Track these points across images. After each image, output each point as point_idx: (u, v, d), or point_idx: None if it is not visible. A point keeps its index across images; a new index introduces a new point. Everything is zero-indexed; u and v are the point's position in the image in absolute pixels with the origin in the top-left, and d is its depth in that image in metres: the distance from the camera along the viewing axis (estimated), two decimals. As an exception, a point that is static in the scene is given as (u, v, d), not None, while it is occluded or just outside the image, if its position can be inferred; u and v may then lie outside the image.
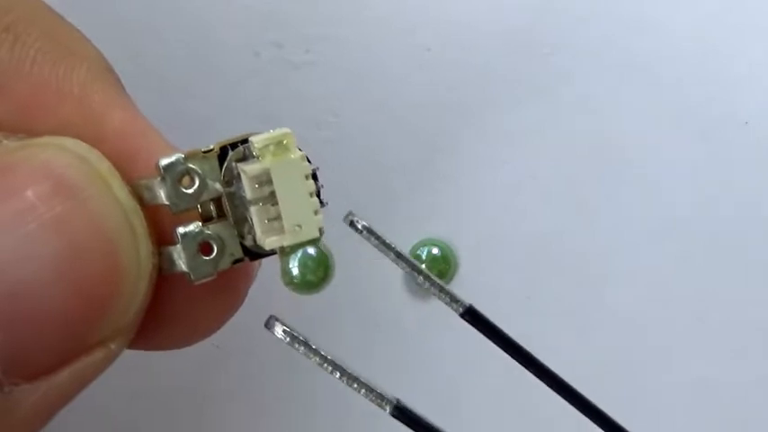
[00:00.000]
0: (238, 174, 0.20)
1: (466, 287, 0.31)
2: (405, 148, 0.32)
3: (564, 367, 0.32)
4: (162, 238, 0.20)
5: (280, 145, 0.20)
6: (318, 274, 0.20)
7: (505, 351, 0.23)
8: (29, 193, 0.18)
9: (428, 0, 0.32)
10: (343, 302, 0.32)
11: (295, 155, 0.20)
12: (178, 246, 0.20)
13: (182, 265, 0.20)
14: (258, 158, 0.20)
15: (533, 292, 0.32)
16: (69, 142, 0.19)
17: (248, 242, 0.20)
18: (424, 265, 0.30)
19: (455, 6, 0.32)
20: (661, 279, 0.32)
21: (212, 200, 0.20)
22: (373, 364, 0.31)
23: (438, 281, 0.23)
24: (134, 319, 0.19)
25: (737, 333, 0.32)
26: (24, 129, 0.19)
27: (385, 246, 0.22)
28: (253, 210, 0.20)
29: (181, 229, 0.20)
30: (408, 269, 0.22)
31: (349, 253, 0.31)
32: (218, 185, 0.20)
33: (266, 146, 0.20)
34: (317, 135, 0.32)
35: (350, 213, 0.23)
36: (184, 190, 0.20)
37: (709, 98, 0.32)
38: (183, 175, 0.20)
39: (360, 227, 0.22)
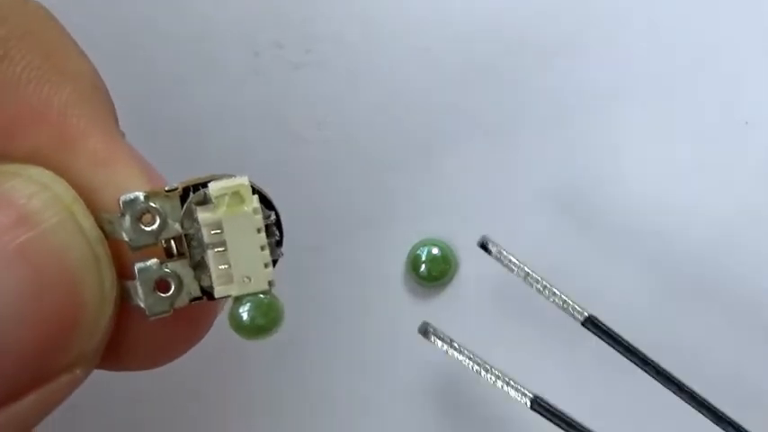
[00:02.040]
0: (197, 218, 0.20)
1: (465, 287, 0.31)
2: (405, 148, 0.32)
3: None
4: (122, 271, 0.20)
5: (235, 195, 0.20)
6: (269, 317, 0.21)
7: (626, 357, 0.26)
8: None
9: (429, 0, 0.32)
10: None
11: (249, 207, 0.20)
12: (136, 281, 0.20)
13: (139, 300, 0.20)
14: (215, 205, 0.20)
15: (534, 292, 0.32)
16: (34, 171, 0.19)
17: (205, 282, 0.20)
18: (423, 266, 0.30)
19: (456, 6, 0.32)
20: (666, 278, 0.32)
21: (174, 238, 0.20)
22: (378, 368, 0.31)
23: (559, 293, 0.26)
24: (98, 346, 0.19)
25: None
26: (1, 152, 0.19)
27: (513, 266, 0.26)
28: (209, 254, 0.20)
29: (139, 265, 0.20)
30: (536, 288, 0.26)
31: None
32: (177, 226, 0.20)
33: (222, 195, 0.20)
34: (317, 135, 0.32)
35: (483, 237, 0.27)
36: (144, 227, 0.20)
37: (709, 97, 0.32)
38: (143, 213, 0.20)
39: (492, 250, 0.26)
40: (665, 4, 0.32)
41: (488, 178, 0.32)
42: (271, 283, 0.20)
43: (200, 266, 0.20)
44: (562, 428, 0.25)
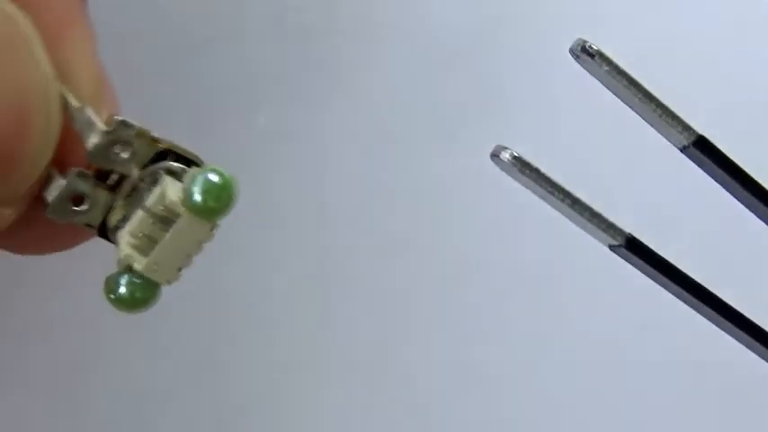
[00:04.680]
0: (158, 181, 0.20)
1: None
2: (422, 113, 0.32)
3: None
4: (62, 163, 0.19)
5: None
6: (145, 297, 0.21)
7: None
8: None
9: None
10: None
11: (214, 222, 0.19)
12: (61, 180, 0.19)
13: (50, 196, 0.20)
14: (184, 192, 0.19)
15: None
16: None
17: (111, 224, 0.20)
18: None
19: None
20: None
21: (120, 174, 0.20)
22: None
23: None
24: (28, 189, 0.19)
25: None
26: None
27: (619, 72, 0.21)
28: (139, 215, 0.20)
29: (77, 171, 0.19)
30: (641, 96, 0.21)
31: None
32: (136, 171, 0.20)
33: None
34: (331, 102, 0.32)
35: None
36: (112, 151, 0.19)
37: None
38: (123, 142, 0.19)
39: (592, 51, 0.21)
40: None
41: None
42: (169, 282, 0.20)
43: (120, 208, 0.20)
44: (658, 271, 0.22)
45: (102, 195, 0.20)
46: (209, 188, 0.19)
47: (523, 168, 0.21)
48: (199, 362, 0.31)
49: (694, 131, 0.21)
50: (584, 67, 0.21)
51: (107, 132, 0.19)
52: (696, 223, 0.32)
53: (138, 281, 0.20)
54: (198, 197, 0.19)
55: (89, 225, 0.20)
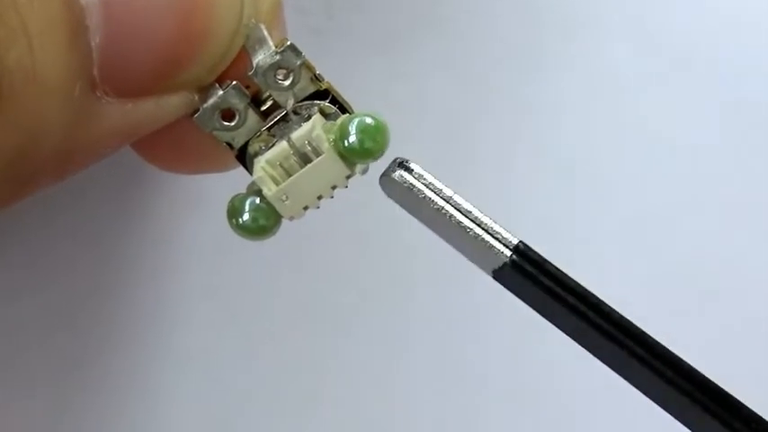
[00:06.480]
0: (308, 118, 0.20)
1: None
2: (424, 113, 0.32)
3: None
4: (222, 77, 0.20)
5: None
6: (270, 221, 0.20)
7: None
8: None
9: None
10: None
11: (354, 171, 0.20)
12: (220, 90, 0.20)
13: (204, 103, 0.20)
14: (331, 134, 0.20)
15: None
16: None
17: (252, 149, 0.20)
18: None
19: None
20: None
21: (274, 102, 0.20)
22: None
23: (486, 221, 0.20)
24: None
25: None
26: None
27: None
28: (282, 145, 0.20)
29: (235, 84, 0.20)
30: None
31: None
32: (291, 102, 0.20)
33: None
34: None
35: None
36: (274, 75, 0.20)
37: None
38: (288, 68, 0.20)
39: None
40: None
41: (505, 158, 0.31)
42: (291, 219, 0.20)
43: (265, 136, 0.20)
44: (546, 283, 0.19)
45: (252, 118, 0.20)
46: (365, 128, 0.19)
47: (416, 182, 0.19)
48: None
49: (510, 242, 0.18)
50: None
51: (276, 53, 0.20)
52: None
53: (263, 206, 0.20)
54: (354, 137, 0.19)
55: (230, 145, 0.20)
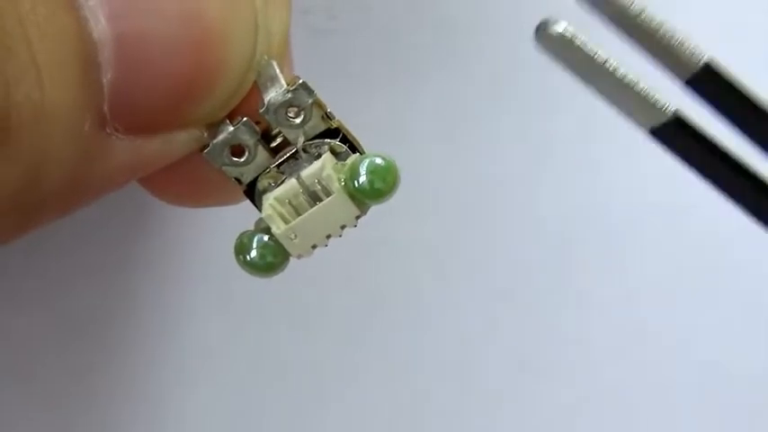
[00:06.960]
0: (318, 156, 0.20)
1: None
2: (428, 112, 0.32)
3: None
4: (233, 113, 0.20)
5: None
6: (277, 258, 0.20)
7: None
8: None
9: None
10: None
11: (362, 212, 0.20)
12: (230, 126, 0.20)
13: (213, 139, 0.20)
14: (342, 174, 0.20)
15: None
16: None
17: (261, 186, 0.20)
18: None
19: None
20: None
21: (284, 137, 0.20)
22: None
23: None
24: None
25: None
26: None
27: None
28: (291, 183, 0.20)
29: (245, 121, 0.20)
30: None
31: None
32: (302, 140, 0.20)
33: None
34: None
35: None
36: (285, 112, 0.20)
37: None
38: (298, 107, 0.20)
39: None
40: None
41: (508, 150, 0.31)
42: (298, 257, 0.20)
43: (275, 174, 0.20)
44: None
45: (262, 154, 0.20)
46: (375, 169, 0.19)
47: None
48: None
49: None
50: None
51: (288, 91, 0.19)
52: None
53: (271, 244, 0.20)
54: (364, 178, 0.19)
55: (238, 180, 0.20)
